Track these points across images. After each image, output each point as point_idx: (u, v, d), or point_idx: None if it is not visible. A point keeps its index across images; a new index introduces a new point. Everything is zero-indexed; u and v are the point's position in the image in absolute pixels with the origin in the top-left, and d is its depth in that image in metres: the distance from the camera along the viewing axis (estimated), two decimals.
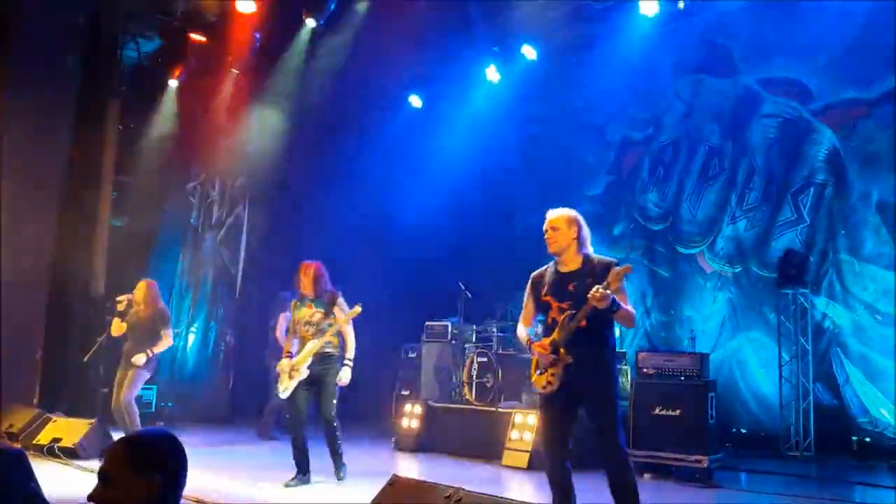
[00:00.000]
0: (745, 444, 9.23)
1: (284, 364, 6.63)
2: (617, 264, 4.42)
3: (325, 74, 11.47)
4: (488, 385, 9.03)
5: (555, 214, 4.62)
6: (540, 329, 4.79)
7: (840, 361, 9.12)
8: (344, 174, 12.68)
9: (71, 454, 7.43)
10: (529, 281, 4.74)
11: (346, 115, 11.99)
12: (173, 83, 11.91)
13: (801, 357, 9.06)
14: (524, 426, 8.02)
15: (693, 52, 10.98)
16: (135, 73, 11.66)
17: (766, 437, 9.27)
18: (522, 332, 4.70)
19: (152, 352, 7.61)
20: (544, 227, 4.59)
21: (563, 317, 4.40)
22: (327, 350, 6.61)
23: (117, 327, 7.85)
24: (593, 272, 4.35)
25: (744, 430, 9.49)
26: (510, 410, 8.37)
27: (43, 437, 7.81)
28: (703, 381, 7.27)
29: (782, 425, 9.06)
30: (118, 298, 7.92)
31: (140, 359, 7.55)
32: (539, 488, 6.90)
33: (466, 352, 9.70)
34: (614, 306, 4.24)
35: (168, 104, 11.97)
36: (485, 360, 9.18)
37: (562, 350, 4.37)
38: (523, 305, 4.76)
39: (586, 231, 4.60)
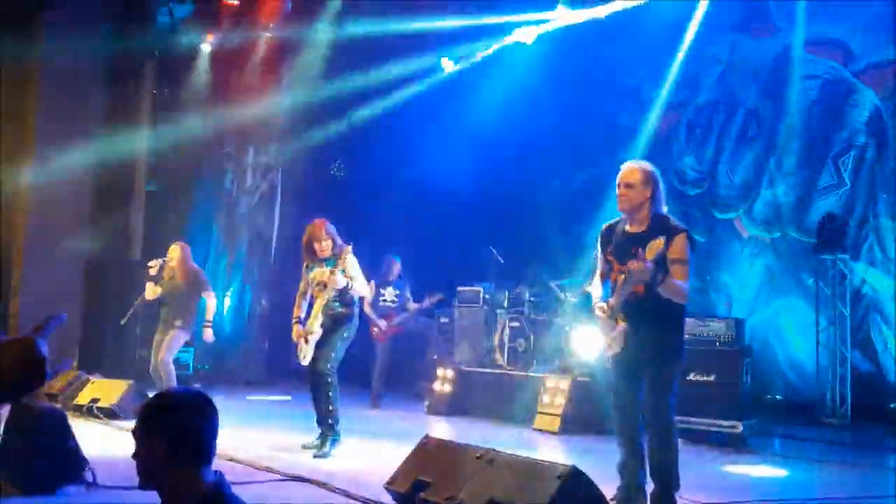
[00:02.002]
0: (781, 411, 9.14)
1: (297, 331, 6.35)
2: (683, 231, 4.22)
3: (357, 37, 11.40)
4: (520, 350, 9.02)
5: (630, 168, 4.35)
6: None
7: (879, 328, 8.96)
8: (376, 139, 12.64)
9: (109, 414, 7.58)
10: (599, 233, 4.58)
11: (378, 78, 11.90)
12: (206, 47, 11.92)
13: (839, 323, 8.91)
14: (556, 390, 8.02)
15: (731, 11, 10.72)
16: (169, 38, 11.69)
17: (802, 404, 9.16)
18: (594, 289, 4.56)
19: (210, 321, 7.92)
20: (617, 182, 4.35)
21: (621, 279, 4.27)
22: (339, 310, 6.31)
23: (151, 291, 7.98)
24: (661, 236, 4.11)
25: (779, 397, 9.40)
26: (542, 375, 8.37)
27: (82, 398, 7.97)
28: (738, 347, 7.21)
29: (818, 392, 8.95)
30: (150, 263, 8.04)
31: (209, 333, 7.92)
32: (570, 451, 6.92)
33: (498, 317, 9.68)
34: (657, 279, 4.07)
35: (202, 68, 12.00)
36: (517, 324, 9.16)
37: (618, 315, 4.28)
38: (596, 257, 4.62)
39: (662, 189, 4.36)
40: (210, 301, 7.97)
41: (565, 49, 11.69)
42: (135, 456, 2.28)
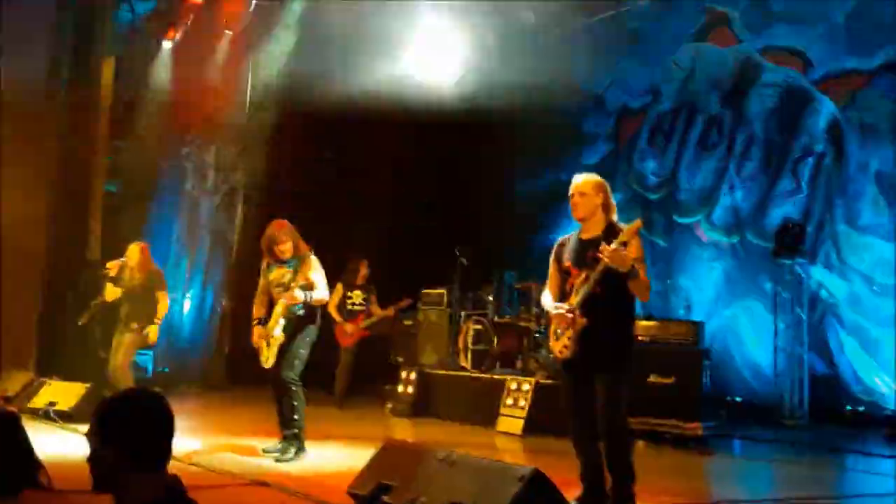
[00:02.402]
0: (740, 413, 9.26)
1: (258, 333, 6.25)
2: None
3: (321, 34, 11.34)
4: (484, 352, 9.04)
5: (582, 179, 4.54)
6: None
7: (835, 331, 9.13)
8: (342, 137, 12.55)
9: (66, 417, 7.44)
10: (554, 247, 4.69)
11: (343, 76, 11.83)
12: (168, 45, 11.77)
13: (797, 326, 9.07)
14: (519, 392, 8.04)
15: (693, 19, 10.87)
16: (129, 35, 11.52)
17: (761, 406, 9.30)
18: (546, 299, 4.63)
19: (159, 320, 7.69)
20: (570, 192, 4.52)
21: (578, 281, 4.36)
22: (301, 312, 6.19)
23: (111, 292, 7.85)
24: (613, 239, 4.24)
25: (738, 399, 9.53)
26: (505, 377, 8.39)
27: (38, 401, 7.81)
28: (697, 349, 7.29)
29: (776, 394, 9.09)
30: (108, 265, 7.91)
31: (154, 332, 7.66)
32: (532, 453, 6.94)
33: (462, 319, 9.69)
34: (633, 271, 4.16)
35: (163, 66, 11.84)
36: (480, 327, 9.18)
37: (577, 313, 4.32)
38: (549, 273, 4.70)
39: (612, 198, 4.56)
40: (162, 301, 7.77)
41: (532, 55, 11.74)
42: (89, 459, 2.25)
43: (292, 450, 6.12)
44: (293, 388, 6.16)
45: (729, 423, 8.47)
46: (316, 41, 11.43)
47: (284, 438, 6.23)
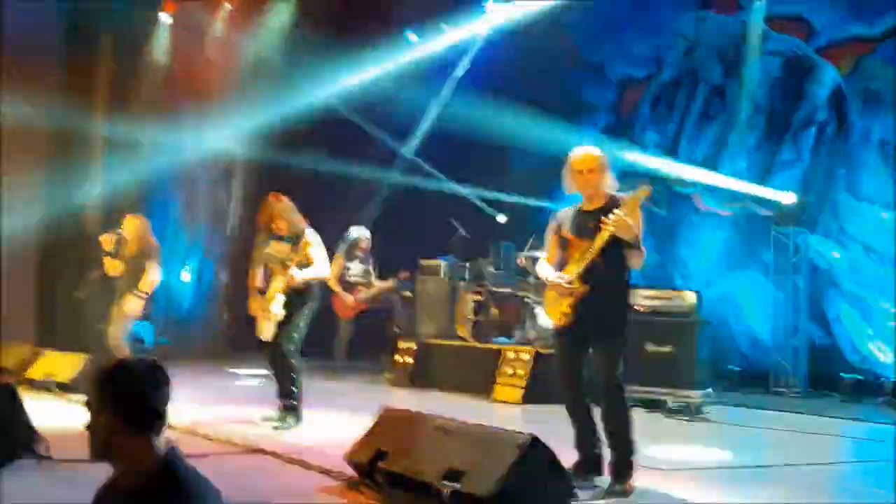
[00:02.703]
0: (736, 381, 9.30)
1: (256, 304, 6.24)
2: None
3: (322, 8, 11.24)
4: (482, 322, 9.06)
5: (588, 156, 4.50)
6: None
7: (833, 300, 9.13)
8: (340, 111, 12.48)
9: (65, 388, 7.47)
10: (553, 218, 4.71)
11: (344, 52, 11.74)
12: (165, 18, 11.68)
13: (795, 295, 9.08)
14: (518, 361, 8.06)
15: None
16: (126, 8, 11.42)
17: (758, 375, 9.33)
18: (544, 268, 4.64)
19: (144, 293, 7.49)
20: (577, 168, 4.49)
21: (578, 251, 4.40)
22: (300, 286, 6.15)
23: (112, 266, 7.73)
24: (615, 209, 4.27)
25: (735, 368, 9.54)
26: (504, 347, 8.42)
27: (36, 372, 7.84)
28: (695, 319, 7.30)
29: (774, 362, 9.13)
30: (101, 238, 7.76)
31: (132, 303, 7.45)
32: (531, 422, 6.96)
33: (461, 289, 9.70)
34: (636, 240, 4.22)
35: (160, 40, 11.76)
36: (479, 297, 9.19)
37: (577, 281, 4.35)
38: (546, 242, 4.73)
39: (610, 170, 4.59)
40: (149, 273, 7.49)
41: (531, 24, 11.62)
42: (88, 427, 2.25)
43: (290, 419, 6.15)
44: (292, 361, 6.19)
45: (725, 391, 8.52)
46: (316, 11, 11.33)
47: (283, 408, 6.26)
